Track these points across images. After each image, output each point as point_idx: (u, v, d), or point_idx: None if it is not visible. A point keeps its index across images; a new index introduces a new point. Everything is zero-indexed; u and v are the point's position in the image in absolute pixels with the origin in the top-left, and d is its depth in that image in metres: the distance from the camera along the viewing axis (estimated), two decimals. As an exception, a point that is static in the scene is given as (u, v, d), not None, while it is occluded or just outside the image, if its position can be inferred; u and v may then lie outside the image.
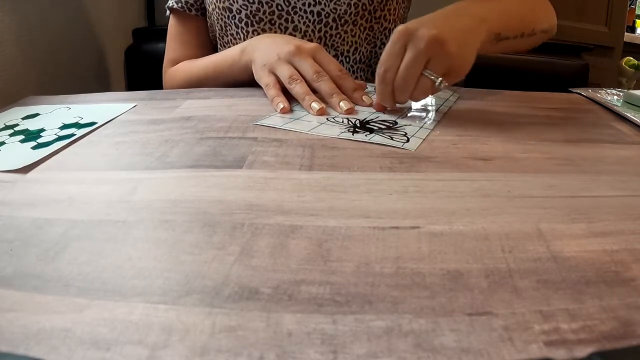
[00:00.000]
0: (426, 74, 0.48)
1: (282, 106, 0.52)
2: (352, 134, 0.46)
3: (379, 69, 0.49)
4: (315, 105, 0.51)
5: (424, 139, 0.45)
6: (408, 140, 0.45)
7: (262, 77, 0.57)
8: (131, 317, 0.22)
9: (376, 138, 0.45)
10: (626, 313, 0.22)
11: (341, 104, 0.52)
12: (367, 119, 0.51)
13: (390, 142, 0.44)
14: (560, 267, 0.26)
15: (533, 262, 0.26)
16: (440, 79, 0.48)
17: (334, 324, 0.22)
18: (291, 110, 0.53)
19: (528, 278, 0.25)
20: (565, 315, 0.22)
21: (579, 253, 0.27)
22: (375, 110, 0.53)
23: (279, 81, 0.56)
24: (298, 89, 0.53)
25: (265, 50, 0.59)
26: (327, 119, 0.50)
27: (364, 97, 0.55)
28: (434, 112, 0.54)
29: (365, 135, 0.45)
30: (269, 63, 0.57)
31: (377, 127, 0.48)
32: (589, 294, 0.24)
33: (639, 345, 0.20)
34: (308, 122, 0.49)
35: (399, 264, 0.26)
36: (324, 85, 0.54)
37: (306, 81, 0.55)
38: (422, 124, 0.50)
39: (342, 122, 0.49)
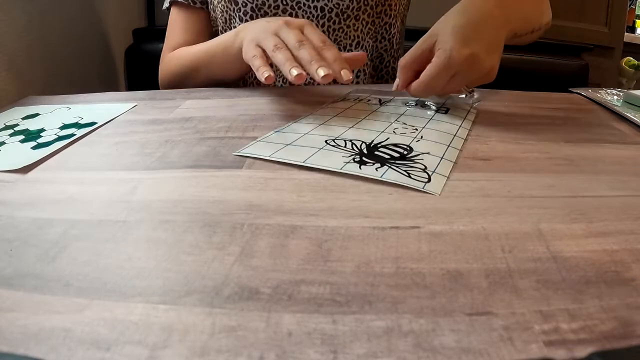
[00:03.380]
0: (462, 89, 0.54)
1: (267, 74, 0.49)
2: (359, 167, 0.38)
3: (425, 85, 0.51)
4: (294, 71, 0.48)
5: (447, 177, 0.37)
6: (429, 178, 0.36)
7: (248, 50, 0.55)
8: (131, 317, 0.22)
9: (389, 174, 0.36)
10: (626, 313, 0.22)
11: (319, 70, 0.48)
12: (375, 142, 0.43)
13: (408, 180, 0.36)
14: (560, 267, 0.26)
15: (533, 262, 0.26)
16: (471, 91, 0.55)
17: (334, 324, 0.22)
18: (274, 81, 0.49)
19: (528, 278, 0.25)
20: (565, 315, 0.22)
21: (579, 253, 0.27)
22: (382, 130, 0.46)
23: (266, 54, 0.54)
24: (280, 55, 0.51)
25: (255, 30, 0.57)
26: (325, 141, 0.43)
27: (342, 72, 0.49)
28: (455, 135, 0.46)
29: (376, 169, 0.37)
30: (256, 38, 0.55)
31: (388, 155, 0.40)
32: (589, 294, 0.24)
33: (639, 345, 0.20)
34: (301, 148, 0.41)
35: (399, 264, 0.26)
36: (304, 52, 0.51)
37: (291, 51, 0.52)
38: (443, 152, 0.41)
39: (345, 146, 0.42)
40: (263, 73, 0.49)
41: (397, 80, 0.53)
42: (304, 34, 0.54)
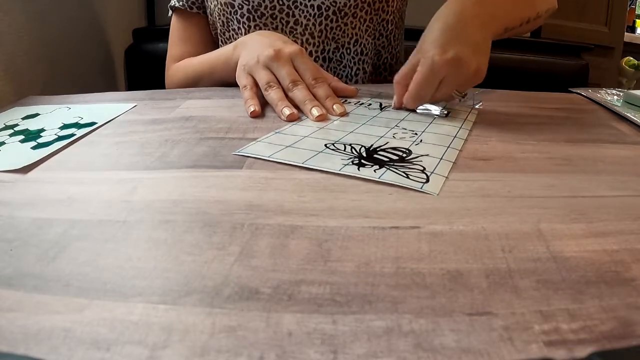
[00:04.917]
0: (453, 94, 0.53)
1: (252, 109, 0.52)
2: (358, 168, 0.38)
3: (414, 95, 0.51)
4: (286, 111, 0.51)
5: (447, 177, 0.37)
6: (427, 179, 0.36)
7: (240, 78, 0.58)
8: (131, 317, 0.22)
9: (387, 175, 0.37)
10: (626, 313, 0.22)
11: (313, 110, 0.51)
12: (374, 146, 0.43)
13: (405, 181, 0.36)
14: (560, 267, 0.26)
15: (533, 262, 0.26)
16: (463, 95, 0.53)
17: (334, 324, 0.22)
18: (262, 115, 0.52)
19: (528, 278, 0.25)
20: (565, 315, 0.22)
21: (579, 253, 0.27)
22: (382, 135, 0.46)
23: (256, 84, 0.57)
24: (273, 95, 0.54)
25: (249, 50, 0.59)
26: (325, 145, 0.43)
27: (334, 106, 0.53)
28: (455, 136, 0.46)
29: (375, 171, 0.37)
30: (248, 65, 0.58)
31: (387, 157, 0.40)
32: (589, 294, 0.24)
33: (639, 345, 0.20)
34: (301, 151, 0.41)
35: (399, 264, 0.26)
36: (298, 93, 0.54)
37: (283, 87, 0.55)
38: (442, 153, 0.41)
39: (344, 149, 0.42)
40: (249, 107, 0.53)
41: (394, 98, 0.55)
42: (296, 67, 0.56)
